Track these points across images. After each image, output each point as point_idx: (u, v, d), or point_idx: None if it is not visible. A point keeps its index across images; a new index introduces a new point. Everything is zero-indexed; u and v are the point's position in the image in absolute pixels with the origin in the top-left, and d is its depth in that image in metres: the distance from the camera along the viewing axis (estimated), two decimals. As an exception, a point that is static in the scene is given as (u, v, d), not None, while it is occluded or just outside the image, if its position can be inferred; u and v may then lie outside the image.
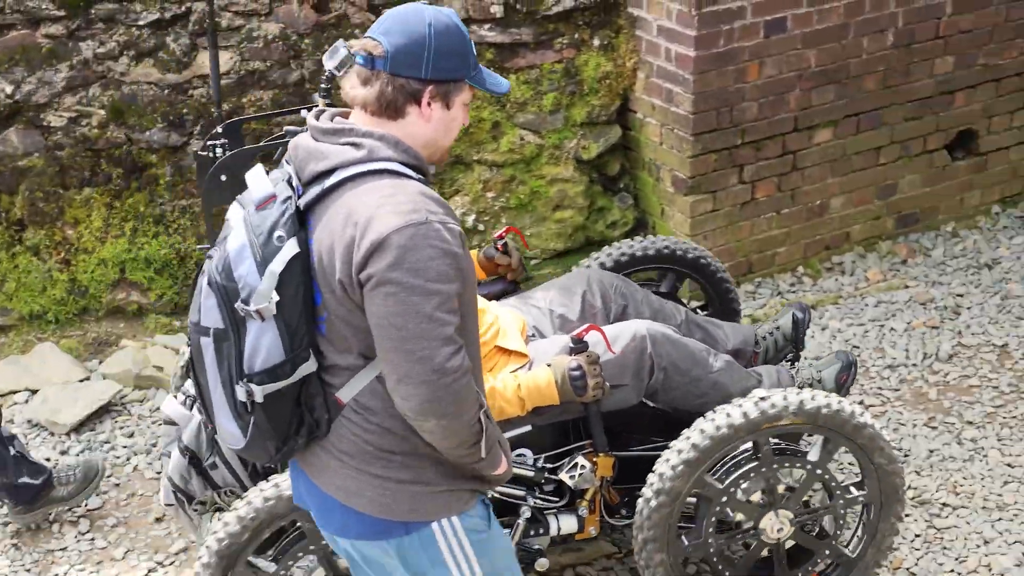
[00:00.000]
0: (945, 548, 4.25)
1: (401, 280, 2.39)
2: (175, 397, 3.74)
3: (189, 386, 3.62)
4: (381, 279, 2.40)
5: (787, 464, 3.68)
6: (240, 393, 2.55)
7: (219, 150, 4.31)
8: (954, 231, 6.18)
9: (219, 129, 4.32)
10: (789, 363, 4.32)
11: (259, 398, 2.53)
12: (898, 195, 6.02)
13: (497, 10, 5.46)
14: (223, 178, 4.22)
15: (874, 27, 5.61)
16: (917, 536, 4.31)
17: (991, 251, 6.01)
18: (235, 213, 2.62)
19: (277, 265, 2.47)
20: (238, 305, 2.50)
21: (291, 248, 2.48)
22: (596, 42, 5.61)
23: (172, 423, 3.67)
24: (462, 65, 2.56)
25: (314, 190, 2.52)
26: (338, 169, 2.50)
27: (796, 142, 5.66)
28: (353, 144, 2.51)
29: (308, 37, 5.45)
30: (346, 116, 2.61)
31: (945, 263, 5.93)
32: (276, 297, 2.48)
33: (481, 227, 5.65)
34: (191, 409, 3.59)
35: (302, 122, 4.23)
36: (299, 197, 2.54)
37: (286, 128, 4.15)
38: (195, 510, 3.63)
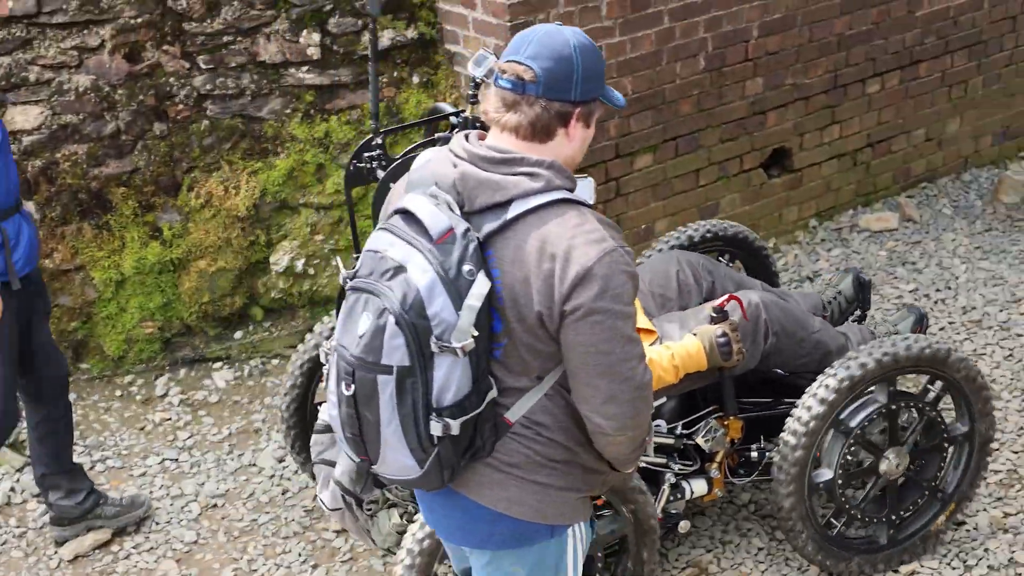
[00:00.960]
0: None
1: (607, 308, 2.50)
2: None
3: (323, 413, 3.64)
4: (589, 309, 2.50)
5: (903, 404, 4.06)
6: (436, 428, 2.56)
7: (375, 163, 4.18)
8: (775, 246, 6.36)
9: (378, 140, 4.22)
10: (857, 321, 4.82)
11: (455, 431, 2.57)
12: (720, 215, 6.17)
13: (314, 52, 5.43)
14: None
15: (686, 52, 5.76)
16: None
17: (811, 264, 6.20)
18: (387, 238, 2.61)
19: (475, 300, 2.50)
20: (433, 341, 2.50)
21: (483, 283, 2.51)
22: (416, 79, 5.63)
23: (330, 431, 3.68)
24: (601, 83, 2.65)
25: (493, 222, 2.55)
26: (516, 200, 2.54)
27: (618, 168, 5.76)
28: (529, 175, 2.55)
29: (121, 88, 5.34)
30: (482, 137, 2.66)
31: (769, 278, 6.10)
32: (475, 332, 2.51)
33: (311, 271, 5.59)
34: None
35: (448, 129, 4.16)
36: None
37: (437, 135, 4.03)
38: (368, 511, 3.73)
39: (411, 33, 5.56)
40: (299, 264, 5.56)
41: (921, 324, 4.80)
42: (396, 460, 2.63)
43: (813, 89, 6.26)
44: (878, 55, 6.41)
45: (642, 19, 5.57)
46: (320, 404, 3.99)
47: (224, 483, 4.98)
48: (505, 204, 2.55)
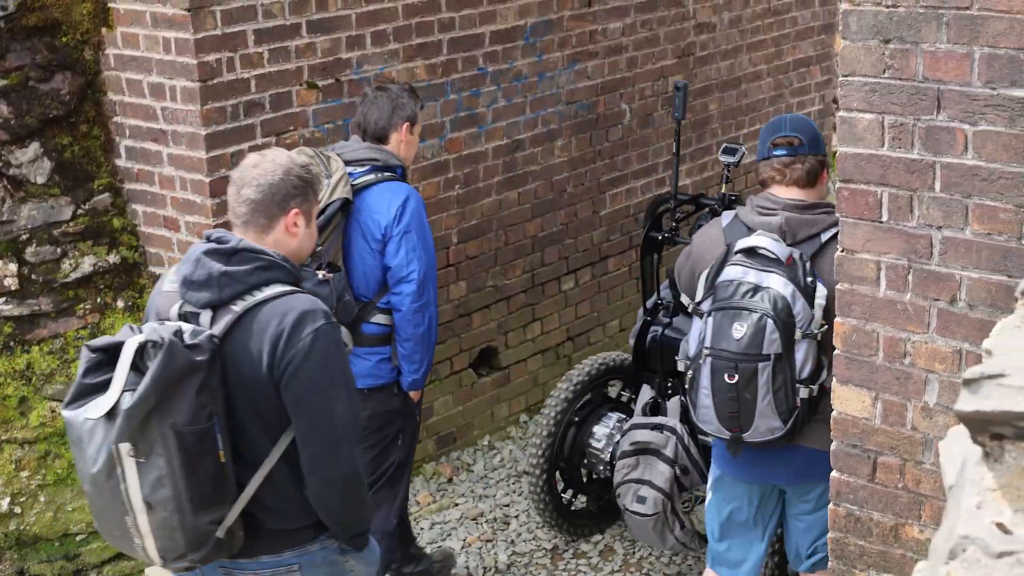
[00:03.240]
0: None
1: None
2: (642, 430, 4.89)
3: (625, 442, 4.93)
4: None
5: None
6: (803, 392, 3.74)
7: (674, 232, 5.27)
8: (490, 444, 6.49)
9: (677, 212, 5.24)
10: None
11: (815, 393, 3.77)
12: (435, 417, 6.27)
13: (11, 282, 5.27)
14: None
15: (390, 262, 5.91)
16: None
17: (526, 459, 6.35)
18: (739, 271, 3.78)
19: (821, 300, 3.72)
20: (797, 332, 3.69)
21: (822, 289, 3.73)
22: (120, 304, 5.53)
23: (648, 450, 4.80)
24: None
25: (812, 245, 3.85)
26: (825, 230, 3.84)
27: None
28: (827, 212, 3.83)
29: None
30: (765, 187, 4.01)
31: (487, 475, 6.21)
32: (824, 323, 3.71)
33: (18, 510, 5.30)
34: (662, 432, 4.81)
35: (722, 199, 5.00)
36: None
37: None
38: (684, 508, 4.83)
39: (113, 258, 5.49)
40: (4, 503, 5.27)
41: None
42: (765, 424, 3.74)
43: (513, 289, 6.54)
44: (570, 254, 6.78)
45: (346, 232, 5.70)
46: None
47: None
48: (817, 233, 3.84)
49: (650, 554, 5.49)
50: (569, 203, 6.71)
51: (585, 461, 5.30)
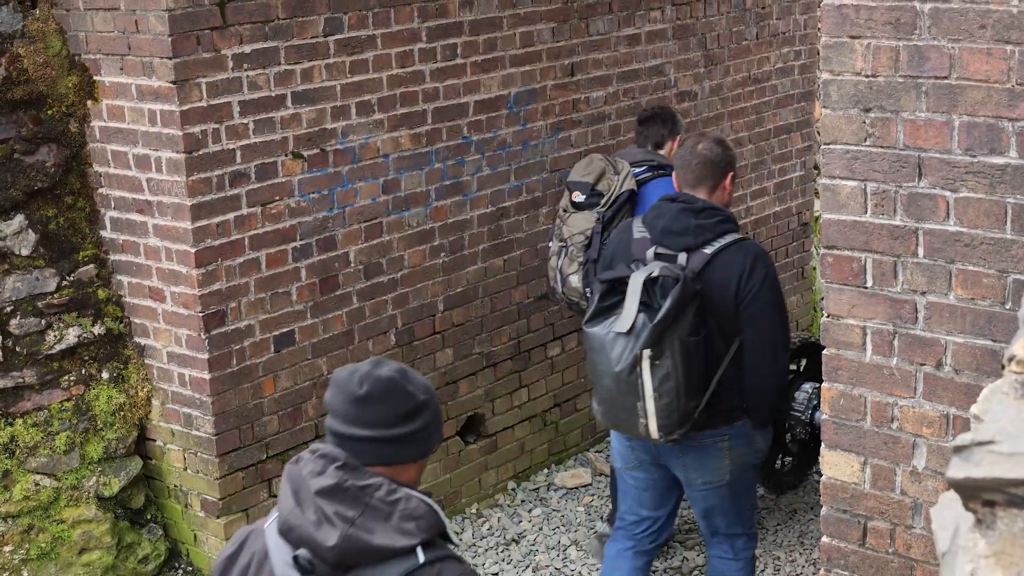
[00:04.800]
0: None
1: None
2: None
3: None
4: None
5: None
6: None
7: None
8: (478, 511, 6.46)
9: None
10: None
11: None
12: (422, 485, 6.23)
13: (-4, 355, 5.26)
14: None
15: (376, 330, 5.92)
16: None
17: (515, 526, 6.33)
18: None
19: None
20: None
21: None
22: (105, 375, 5.52)
23: None
24: None
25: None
26: None
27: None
28: None
29: None
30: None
31: (476, 544, 6.17)
32: None
33: (1, 585, 5.25)
34: None
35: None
36: None
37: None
38: None
39: (98, 329, 5.48)
40: (-14, 579, 5.21)
41: None
42: None
43: (500, 356, 6.54)
44: (555, 320, 6.79)
45: (332, 301, 5.72)
46: None
47: None
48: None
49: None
50: (554, 270, 6.73)
51: (787, 424, 5.57)
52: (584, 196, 5.54)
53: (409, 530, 2.45)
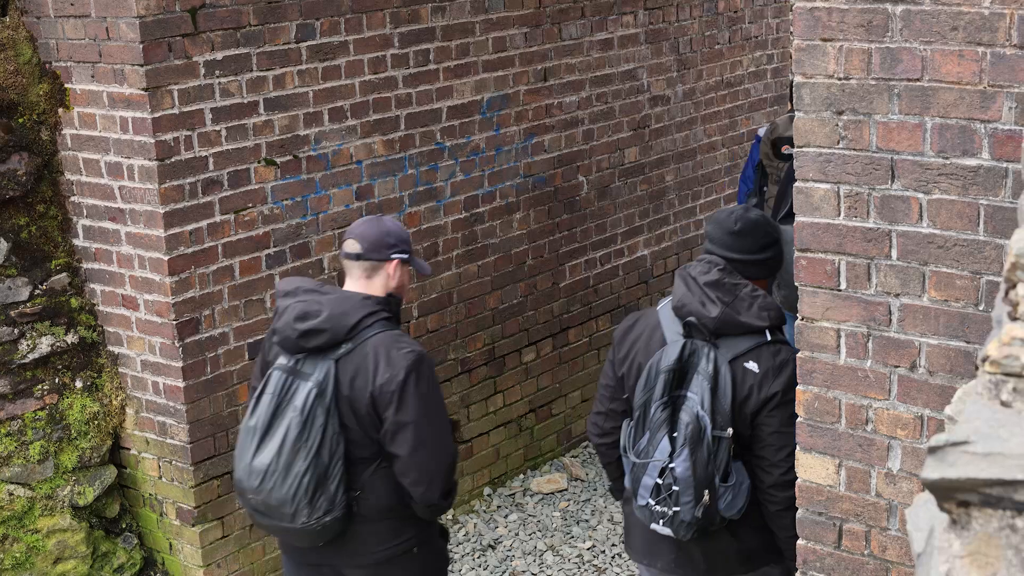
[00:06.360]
0: None
1: None
2: None
3: None
4: None
5: None
6: None
7: None
8: (454, 517, 6.45)
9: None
10: None
11: None
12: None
13: (-33, 364, 5.21)
14: None
15: (351, 337, 5.90)
16: None
17: (491, 532, 6.32)
18: None
19: None
20: None
21: None
22: (79, 384, 5.48)
23: None
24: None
25: None
26: None
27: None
28: None
29: None
30: None
31: (452, 550, 6.16)
32: None
33: (-27, 596, 5.21)
34: None
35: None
36: None
37: None
38: None
39: (71, 338, 5.45)
40: (-41, 591, 5.17)
41: None
42: None
43: (475, 362, 6.53)
44: (530, 326, 6.79)
45: (307, 308, 5.69)
46: None
47: None
48: None
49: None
50: (528, 275, 6.74)
51: None
52: None
53: (764, 317, 3.72)
